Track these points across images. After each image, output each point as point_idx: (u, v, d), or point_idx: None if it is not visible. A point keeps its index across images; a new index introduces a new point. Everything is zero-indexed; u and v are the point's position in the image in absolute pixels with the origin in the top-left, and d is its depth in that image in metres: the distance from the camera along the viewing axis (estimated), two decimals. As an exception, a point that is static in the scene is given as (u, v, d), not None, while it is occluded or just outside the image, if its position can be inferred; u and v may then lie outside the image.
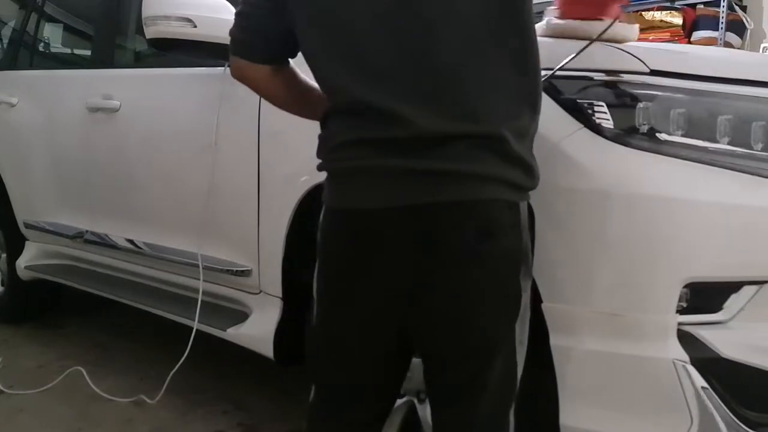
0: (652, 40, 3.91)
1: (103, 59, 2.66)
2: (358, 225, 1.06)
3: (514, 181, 1.03)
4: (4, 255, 3.16)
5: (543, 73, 1.10)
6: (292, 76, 1.27)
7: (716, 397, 1.24)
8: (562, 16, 1.44)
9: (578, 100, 1.33)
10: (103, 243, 2.55)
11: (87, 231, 2.61)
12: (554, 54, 1.30)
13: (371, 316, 1.09)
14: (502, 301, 1.06)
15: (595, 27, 1.36)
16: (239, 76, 1.26)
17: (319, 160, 1.11)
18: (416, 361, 1.64)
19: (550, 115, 1.34)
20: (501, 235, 1.03)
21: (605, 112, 1.31)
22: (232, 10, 1.89)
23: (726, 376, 1.25)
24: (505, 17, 1.03)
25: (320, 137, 1.11)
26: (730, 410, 1.25)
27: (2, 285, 3.19)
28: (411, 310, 1.07)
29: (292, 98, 1.29)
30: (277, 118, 1.83)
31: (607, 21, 1.37)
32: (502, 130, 1.00)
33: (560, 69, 1.31)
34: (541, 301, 1.34)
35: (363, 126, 1.03)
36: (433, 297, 1.04)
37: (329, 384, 1.19)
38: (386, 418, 1.22)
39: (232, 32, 1.21)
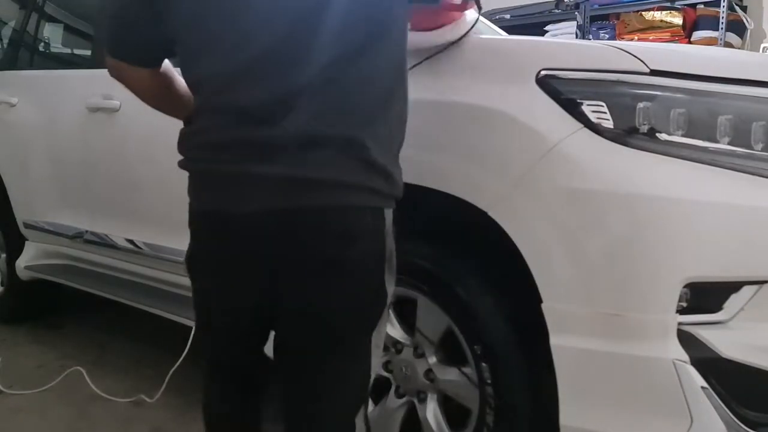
0: (652, 40, 3.91)
1: (103, 59, 2.65)
2: (221, 226, 1.08)
3: (375, 188, 1.06)
4: (3, 255, 3.16)
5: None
6: (169, 77, 1.31)
7: (716, 397, 1.24)
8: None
9: (578, 100, 1.33)
10: (103, 243, 2.55)
11: (87, 231, 2.61)
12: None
13: (232, 306, 1.16)
14: (361, 304, 1.11)
15: (428, 37, 1.45)
16: (117, 76, 1.30)
17: (181, 157, 1.15)
18: (415, 361, 1.64)
19: (550, 115, 1.34)
20: (361, 240, 1.06)
21: (605, 112, 1.31)
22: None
23: (726, 376, 1.25)
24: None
25: (182, 133, 1.15)
26: (729, 410, 1.25)
27: (2, 285, 3.19)
28: (273, 308, 1.12)
29: (166, 98, 1.33)
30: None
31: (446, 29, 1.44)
32: (364, 137, 1.02)
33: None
34: (541, 301, 1.34)
35: (227, 126, 1.05)
36: (294, 298, 1.09)
37: (208, 357, 1.29)
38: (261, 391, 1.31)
39: (109, 34, 1.24)
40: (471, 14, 1.48)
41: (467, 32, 1.43)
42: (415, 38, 1.40)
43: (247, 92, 1.02)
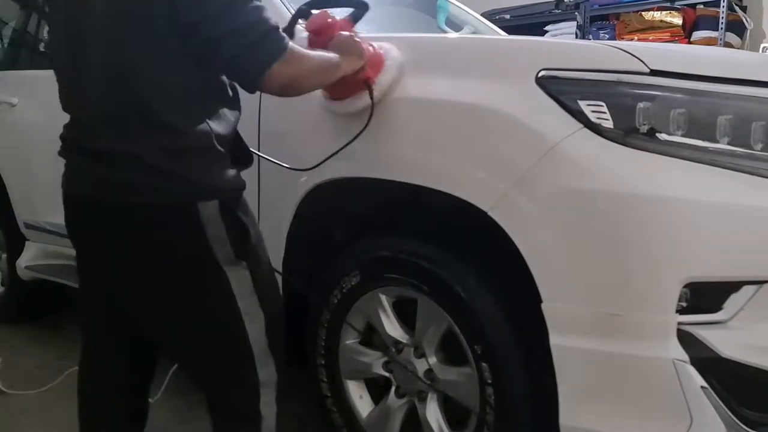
0: (652, 40, 3.91)
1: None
2: (71, 205, 1.42)
3: (169, 189, 1.23)
4: (4, 255, 3.16)
5: None
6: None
7: (716, 396, 1.24)
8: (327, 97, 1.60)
9: (578, 100, 1.33)
10: (103, 243, 2.54)
11: (87, 231, 2.61)
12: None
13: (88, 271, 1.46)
14: (178, 284, 1.29)
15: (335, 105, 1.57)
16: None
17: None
18: (415, 361, 1.64)
19: (550, 115, 1.34)
20: (165, 230, 1.25)
21: (605, 112, 1.31)
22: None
23: (726, 376, 1.25)
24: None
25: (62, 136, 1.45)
26: (729, 410, 1.25)
27: (2, 285, 3.19)
28: (111, 277, 1.36)
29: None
30: (277, 118, 1.83)
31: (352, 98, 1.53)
32: (147, 149, 1.22)
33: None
34: (540, 301, 1.34)
35: (76, 133, 1.40)
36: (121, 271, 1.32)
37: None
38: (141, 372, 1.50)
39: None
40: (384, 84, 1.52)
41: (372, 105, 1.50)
42: (330, 106, 1.59)
43: (84, 113, 1.42)
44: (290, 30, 1.61)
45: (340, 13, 1.57)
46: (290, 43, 1.24)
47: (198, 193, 1.25)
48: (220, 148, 1.28)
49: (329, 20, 1.49)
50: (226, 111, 1.31)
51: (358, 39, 1.47)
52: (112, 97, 1.25)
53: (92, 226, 1.34)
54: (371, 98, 1.49)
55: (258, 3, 1.21)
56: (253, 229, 1.36)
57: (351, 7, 1.61)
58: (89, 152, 1.32)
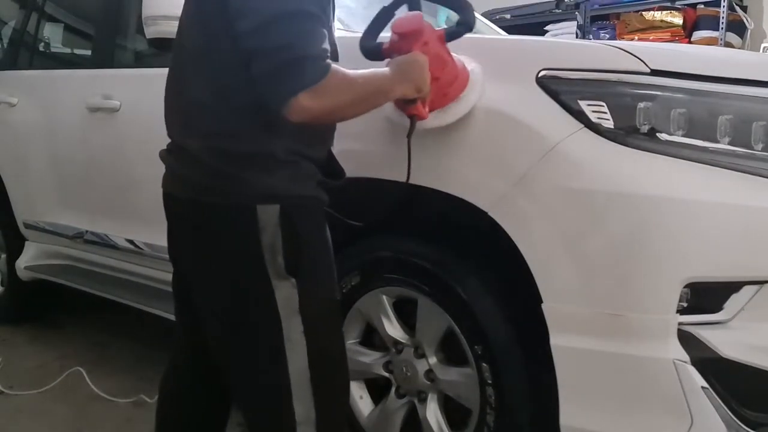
0: (653, 40, 3.91)
1: (103, 59, 2.65)
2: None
3: (229, 190, 1.19)
4: (3, 255, 3.15)
5: None
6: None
7: (716, 397, 1.24)
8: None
9: (578, 100, 1.33)
10: (103, 243, 2.55)
11: (87, 231, 2.61)
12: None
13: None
14: (226, 289, 1.23)
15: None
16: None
17: None
18: (416, 361, 1.64)
19: (551, 115, 1.34)
20: (222, 230, 1.20)
21: (605, 112, 1.31)
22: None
23: (726, 376, 1.25)
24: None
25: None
26: (730, 410, 1.25)
27: (2, 285, 3.19)
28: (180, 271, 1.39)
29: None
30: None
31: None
32: (208, 149, 1.19)
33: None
34: (541, 301, 1.34)
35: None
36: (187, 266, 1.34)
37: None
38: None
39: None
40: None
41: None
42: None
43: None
44: (376, 27, 1.44)
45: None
46: (330, 73, 1.11)
47: (256, 196, 1.18)
48: (285, 154, 1.20)
49: (422, 27, 1.29)
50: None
51: (446, 58, 1.33)
52: (179, 95, 1.25)
53: (169, 221, 1.34)
54: (408, 136, 1.34)
55: (306, 25, 1.11)
56: (317, 246, 1.25)
57: (452, 9, 1.43)
58: (168, 148, 1.31)
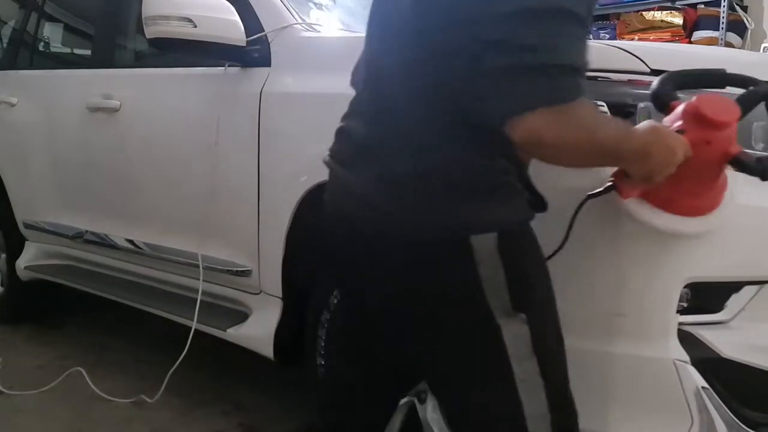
0: (653, 40, 3.90)
1: (103, 59, 2.65)
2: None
3: (433, 221, 1.02)
4: (3, 255, 3.15)
5: None
6: None
7: (716, 397, 1.24)
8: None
9: (579, 100, 1.32)
10: (103, 243, 2.55)
11: (87, 231, 2.61)
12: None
13: None
14: (442, 328, 1.05)
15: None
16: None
17: None
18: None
19: (551, 114, 1.34)
20: (428, 270, 1.02)
21: (605, 112, 1.31)
22: (232, 10, 1.91)
23: (726, 376, 1.25)
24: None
25: None
26: (730, 410, 1.25)
27: (2, 285, 3.19)
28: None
29: None
30: (278, 118, 1.83)
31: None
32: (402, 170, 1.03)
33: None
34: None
35: None
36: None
37: None
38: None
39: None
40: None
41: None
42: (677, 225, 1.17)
43: None
44: (665, 96, 1.13)
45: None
46: (581, 98, 0.92)
47: (469, 225, 1.00)
48: (497, 174, 1.01)
49: (730, 125, 1.03)
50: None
51: (716, 178, 1.12)
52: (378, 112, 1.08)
53: (347, 249, 1.14)
54: (588, 196, 1.17)
55: (575, 30, 0.92)
56: (540, 271, 1.08)
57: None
58: (347, 159, 1.13)
